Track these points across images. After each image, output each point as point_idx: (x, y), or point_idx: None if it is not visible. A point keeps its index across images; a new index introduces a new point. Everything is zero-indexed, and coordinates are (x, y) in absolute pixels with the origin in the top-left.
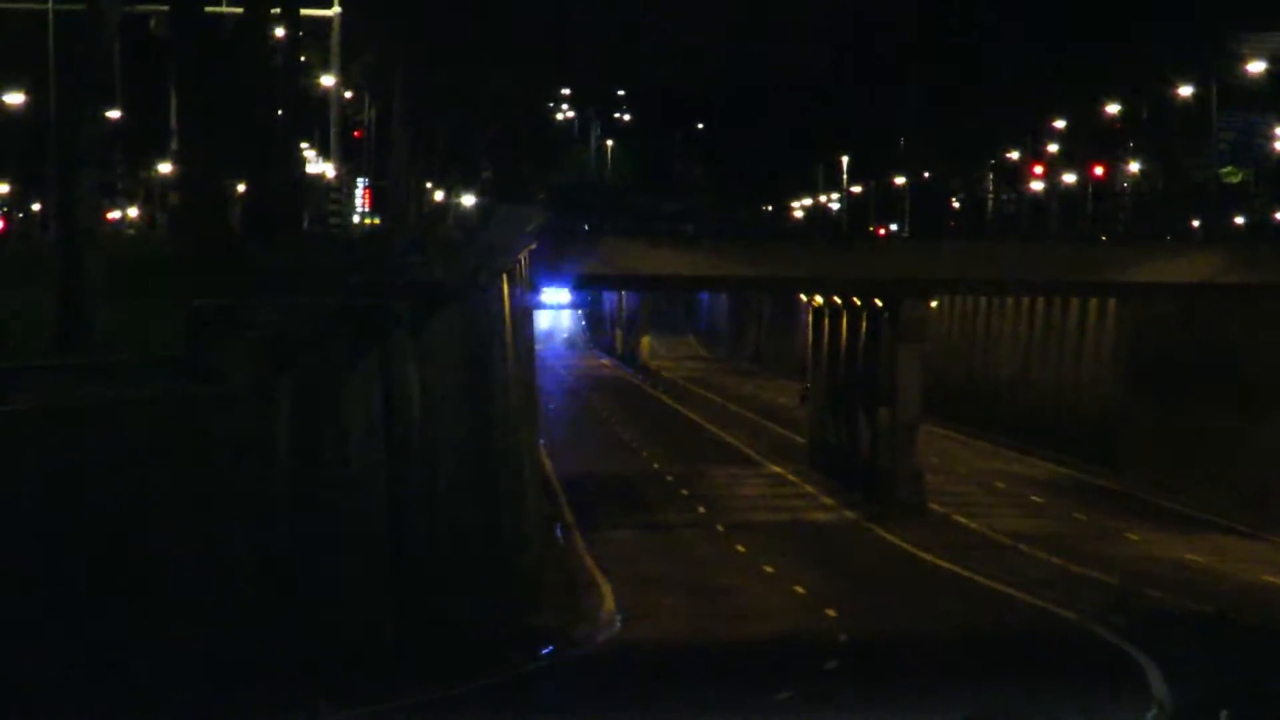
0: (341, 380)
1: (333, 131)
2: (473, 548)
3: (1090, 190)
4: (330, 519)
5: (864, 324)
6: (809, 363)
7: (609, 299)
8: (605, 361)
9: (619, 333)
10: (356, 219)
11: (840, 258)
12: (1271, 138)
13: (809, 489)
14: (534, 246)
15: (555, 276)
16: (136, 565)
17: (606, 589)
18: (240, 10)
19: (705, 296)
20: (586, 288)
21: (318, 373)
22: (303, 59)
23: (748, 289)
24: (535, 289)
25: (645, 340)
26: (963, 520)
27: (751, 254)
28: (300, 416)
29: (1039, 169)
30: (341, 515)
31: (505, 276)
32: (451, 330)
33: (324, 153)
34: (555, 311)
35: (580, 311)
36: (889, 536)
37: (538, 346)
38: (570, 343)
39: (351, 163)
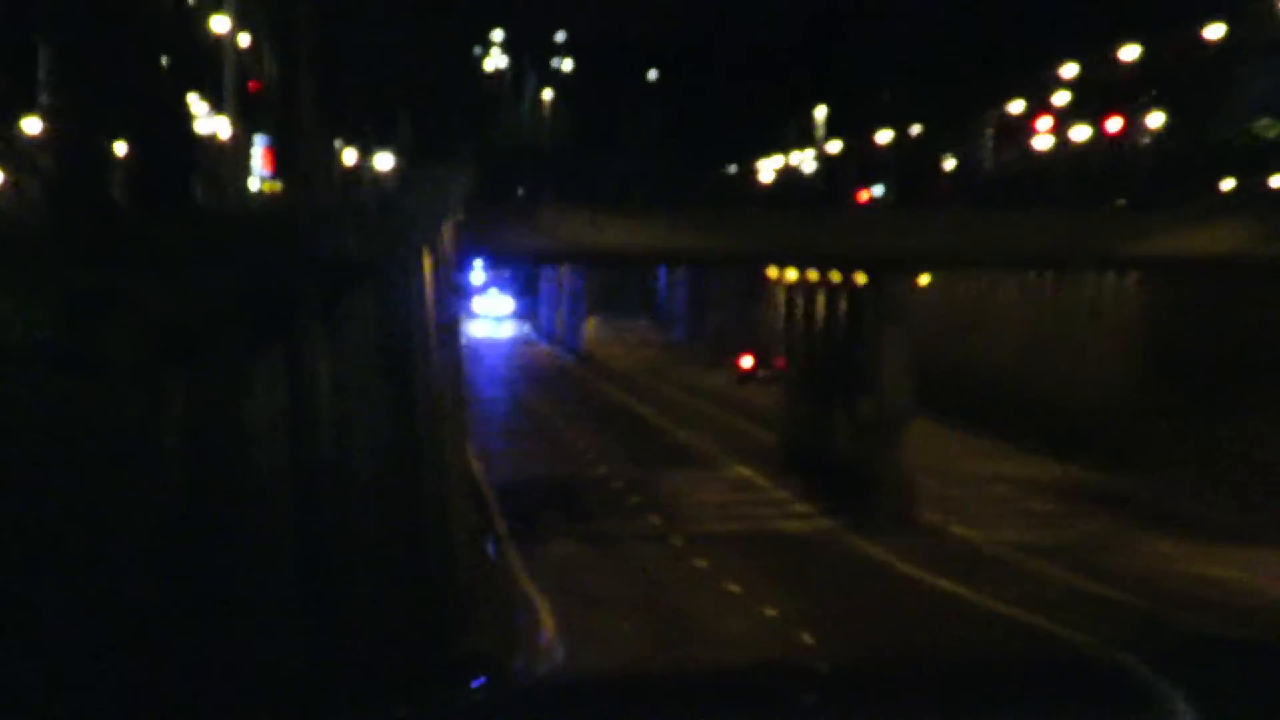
0: (242, 373)
1: (227, 83)
2: (392, 564)
3: (1104, 148)
4: (228, 532)
5: (843, 304)
6: (783, 343)
7: (548, 279)
8: (545, 349)
9: (560, 317)
10: (255, 184)
11: (815, 227)
12: None
13: (780, 495)
14: (461, 216)
15: (485, 251)
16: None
17: (545, 611)
18: None
19: (661, 273)
20: (520, 262)
21: (214, 364)
22: (192, 0)
23: (708, 264)
24: (463, 266)
25: (590, 324)
26: (959, 530)
27: (712, 223)
28: (194, 415)
29: (1045, 123)
30: (241, 527)
31: (427, 251)
32: (367, 315)
33: (218, 108)
34: (489, 297)
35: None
36: (873, 549)
37: (467, 332)
38: (504, 328)
39: (249, 120)
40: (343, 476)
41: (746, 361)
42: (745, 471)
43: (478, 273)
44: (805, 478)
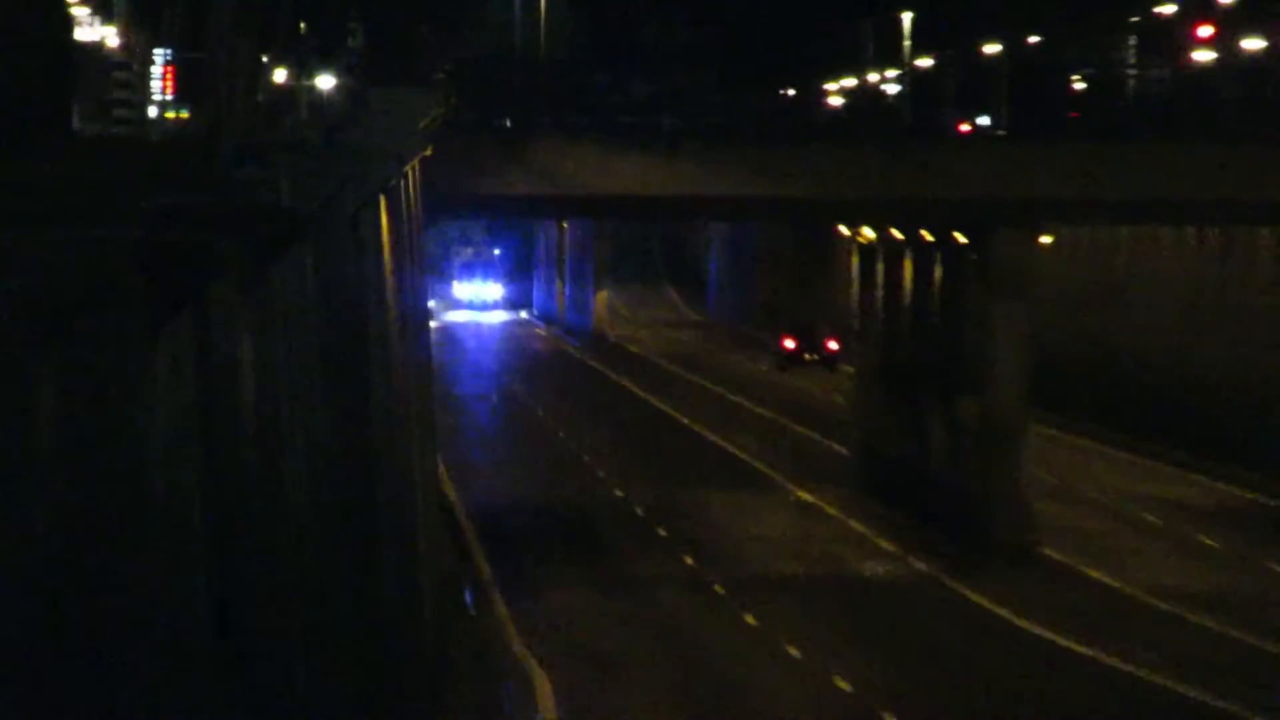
0: (135, 358)
1: None
2: (337, 619)
3: None
4: (117, 571)
5: (938, 270)
6: (861, 325)
7: (546, 235)
8: (540, 330)
9: (560, 287)
10: (156, 111)
11: (900, 169)
12: None
13: (856, 526)
14: (429, 153)
15: (461, 201)
16: None
17: (542, 682)
18: None
19: (702, 234)
20: (507, 214)
21: (98, 346)
22: None
23: (757, 217)
24: (432, 218)
25: (601, 298)
26: (1094, 573)
27: (763, 163)
28: (70, 413)
29: (1205, 32)
30: (134, 565)
31: (384, 200)
32: (305, 285)
33: (105, 12)
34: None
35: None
36: (981, 599)
37: (439, 307)
38: (487, 302)
39: (148, 28)
40: (271, 500)
41: (789, 343)
42: (806, 493)
43: (458, 246)
44: (888, 502)
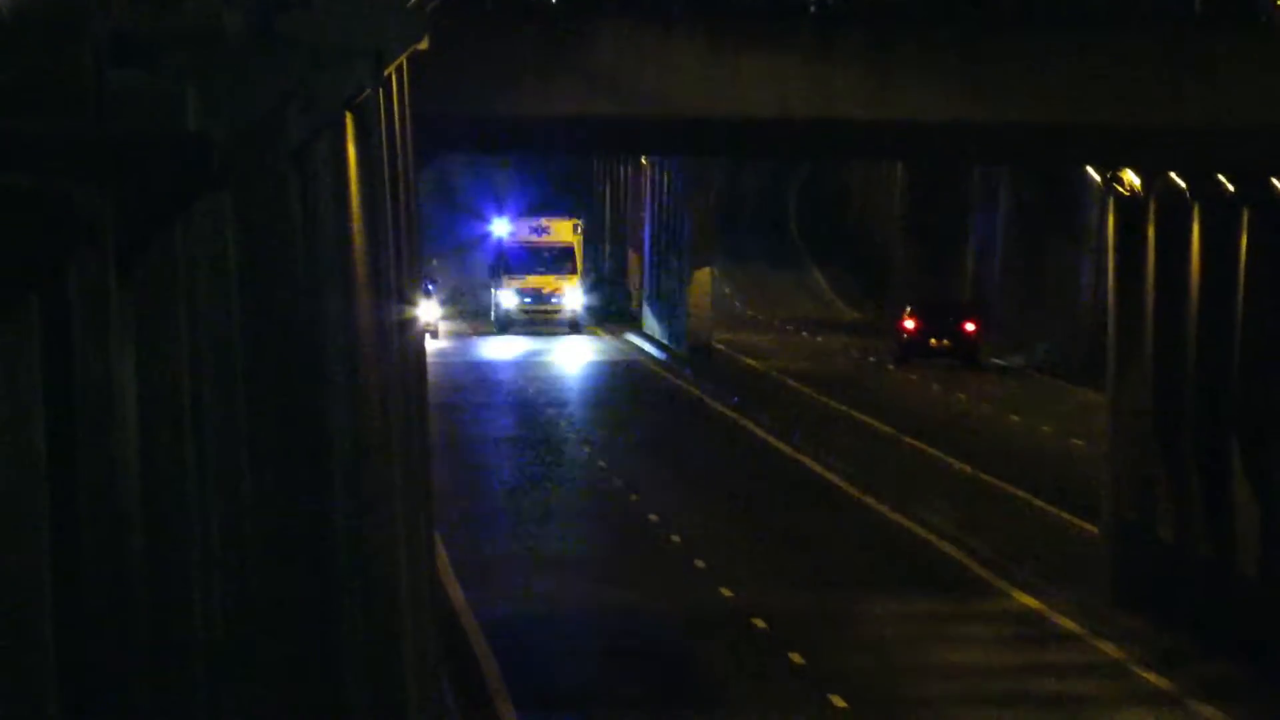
0: None
1: None
2: None
3: None
4: None
5: (1245, 239)
6: (1112, 338)
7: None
8: (601, 333)
9: (635, 266)
10: None
11: (1188, 72)
12: None
13: (1108, 650)
14: (424, 46)
15: (476, 128)
16: None
17: None
18: None
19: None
20: (546, 148)
21: None
22: None
23: (947, 155)
24: (430, 153)
25: (702, 283)
26: None
27: (954, 63)
28: None
29: None
30: None
31: (352, 123)
32: (223, 257)
33: None
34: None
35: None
36: None
37: (437, 298)
38: (552, 317)
39: None
40: (165, 613)
41: (909, 324)
42: (1029, 597)
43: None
44: (1160, 613)
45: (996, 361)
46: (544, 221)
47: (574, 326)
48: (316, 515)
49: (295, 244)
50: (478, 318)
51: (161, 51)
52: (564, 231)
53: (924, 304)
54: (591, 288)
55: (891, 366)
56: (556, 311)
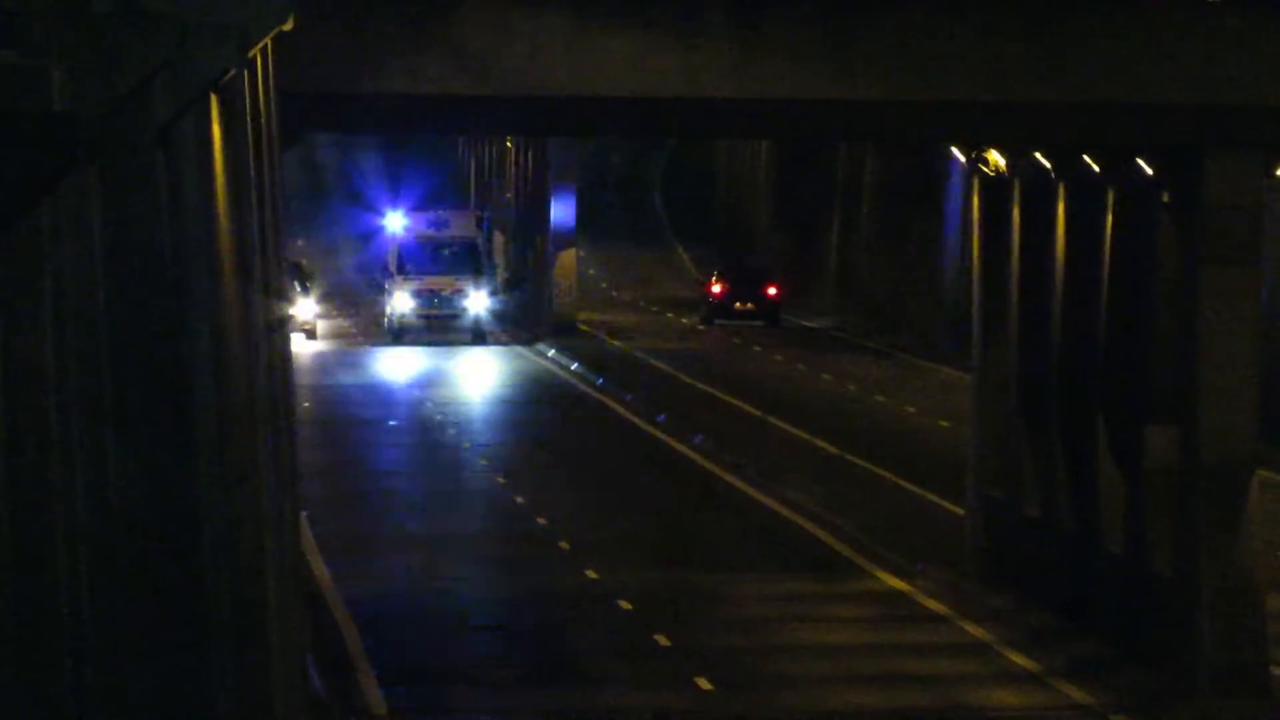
0: None
1: None
2: None
3: None
4: None
5: (1109, 221)
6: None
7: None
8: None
9: (502, 249)
10: None
11: (1048, 50)
12: None
13: (974, 630)
14: (289, 26)
15: (343, 112)
16: None
17: None
18: None
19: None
20: (415, 128)
21: None
22: None
23: (813, 134)
24: (293, 139)
25: (566, 264)
26: None
27: (819, 40)
28: None
29: None
30: None
31: (217, 102)
32: (88, 241)
33: None
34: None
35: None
36: None
37: (315, 294)
38: (452, 322)
39: None
40: (26, 605)
41: (717, 288)
42: (895, 578)
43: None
44: (1025, 592)
45: (802, 323)
46: (444, 214)
47: (478, 335)
48: (182, 488)
49: (161, 221)
50: (372, 322)
51: (27, 27)
52: (466, 225)
53: (730, 269)
54: (505, 288)
55: (702, 327)
56: (456, 316)
